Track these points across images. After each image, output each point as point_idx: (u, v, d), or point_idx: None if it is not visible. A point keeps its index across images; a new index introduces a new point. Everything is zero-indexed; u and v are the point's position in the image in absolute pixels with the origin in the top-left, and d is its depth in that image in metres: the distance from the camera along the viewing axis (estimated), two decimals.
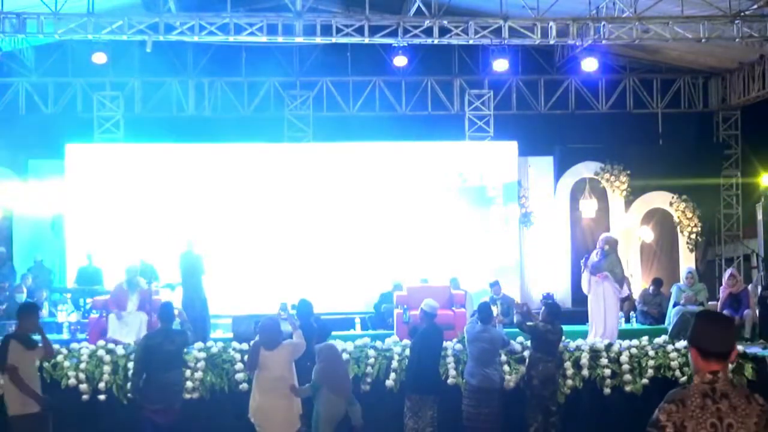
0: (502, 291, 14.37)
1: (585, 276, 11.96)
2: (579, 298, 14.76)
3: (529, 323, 10.18)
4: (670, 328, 12.07)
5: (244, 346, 10.47)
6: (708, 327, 4.13)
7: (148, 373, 9.03)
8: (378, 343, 10.86)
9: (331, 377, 8.83)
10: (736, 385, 4.15)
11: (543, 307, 10.55)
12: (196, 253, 12.71)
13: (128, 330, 11.41)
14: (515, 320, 10.63)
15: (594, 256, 11.97)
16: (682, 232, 16.84)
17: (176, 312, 10.26)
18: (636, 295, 14.87)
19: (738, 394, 4.08)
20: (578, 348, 10.87)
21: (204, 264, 12.64)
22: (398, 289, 13.72)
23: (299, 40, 14.33)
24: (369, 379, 10.56)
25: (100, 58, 14.89)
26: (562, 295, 15.76)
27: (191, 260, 12.60)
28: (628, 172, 16.81)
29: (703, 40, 14.08)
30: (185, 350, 9.92)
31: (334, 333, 11.42)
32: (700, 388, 4.08)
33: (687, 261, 16.49)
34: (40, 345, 8.25)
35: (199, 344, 10.80)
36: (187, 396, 10.24)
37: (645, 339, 11.11)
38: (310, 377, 8.83)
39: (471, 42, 14.55)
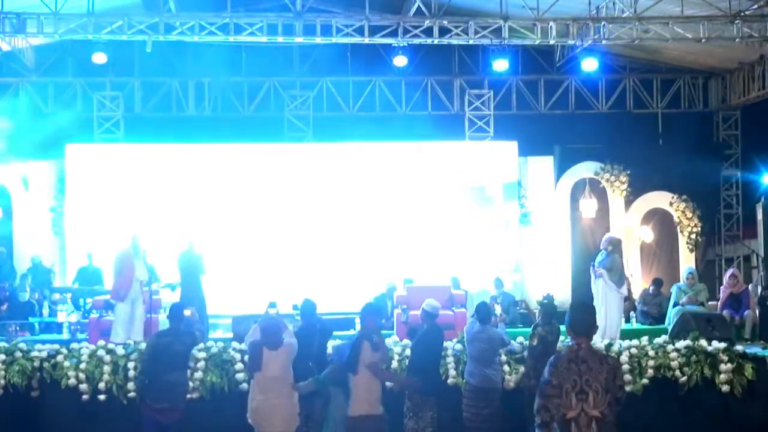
0: (504, 289, 14.39)
1: (592, 279, 12.01)
2: (579, 298, 14.76)
3: (533, 342, 10.11)
4: (670, 328, 12.07)
5: (245, 346, 10.47)
6: (576, 314, 5.95)
7: (155, 372, 9.06)
8: None
9: (342, 379, 8.88)
10: (596, 353, 5.90)
11: (539, 308, 10.58)
12: (195, 252, 12.72)
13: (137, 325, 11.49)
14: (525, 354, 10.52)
15: (599, 257, 12.02)
16: (682, 232, 16.83)
17: (189, 312, 10.27)
18: (636, 295, 14.88)
19: (594, 359, 5.80)
20: None
21: (204, 264, 12.66)
22: (392, 292, 13.71)
23: (299, 40, 14.34)
24: None
25: (100, 58, 14.89)
26: (562, 295, 15.73)
27: (191, 260, 12.61)
28: (628, 172, 16.81)
29: (703, 40, 14.09)
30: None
31: (333, 333, 11.45)
32: (568, 355, 5.82)
33: (687, 261, 16.48)
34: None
35: (200, 344, 10.80)
36: (188, 396, 10.25)
37: (645, 339, 11.11)
38: (310, 377, 8.87)
39: (471, 42, 14.56)
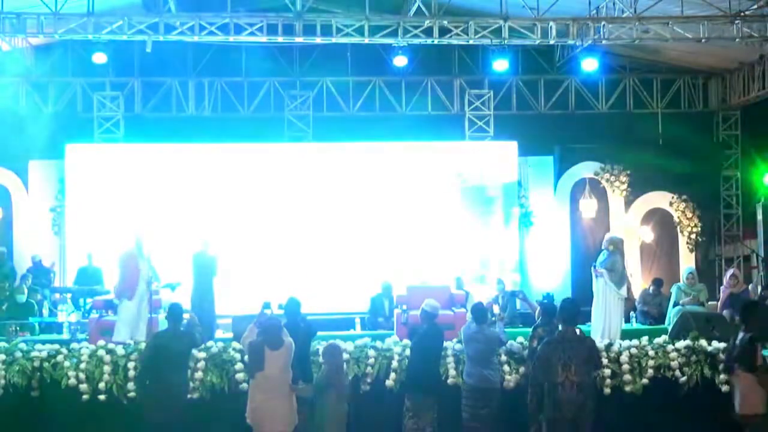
0: (505, 289, 14.37)
1: (593, 278, 11.97)
2: (579, 297, 14.76)
3: (533, 344, 10.12)
4: (670, 328, 12.05)
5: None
6: (565, 308, 8.55)
7: (155, 373, 9.06)
8: (378, 343, 10.85)
9: (337, 378, 8.91)
10: (578, 337, 8.41)
11: (538, 308, 10.58)
12: (210, 254, 12.68)
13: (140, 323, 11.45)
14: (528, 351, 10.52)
15: (600, 257, 11.99)
16: (682, 232, 16.84)
17: (188, 316, 10.24)
18: (636, 295, 14.87)
19: (576, 340, 8.33)
20: None
21: (217, 266, 12.59)
22: (387, 290, 13.68)
23: (299, 40, 14.34)
24: (369, 379, 10.55)
25: (100, 58, 14.90)
26: (563, 295, 15.68)
27: (205, 261, 12.56)
28: (628, 172, 16.83)
29: (703, 40, 14.08)
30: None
31: (333, 333, 11.45)
32: (557, 337, 8.39)
33: (687, 261, 16.49)
34: None
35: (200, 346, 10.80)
36: (188, 396, 10.24)
37: (645, 339, 11.10)
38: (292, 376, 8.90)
39: (471, 42, 14.55)
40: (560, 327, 8.44)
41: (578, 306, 8.59)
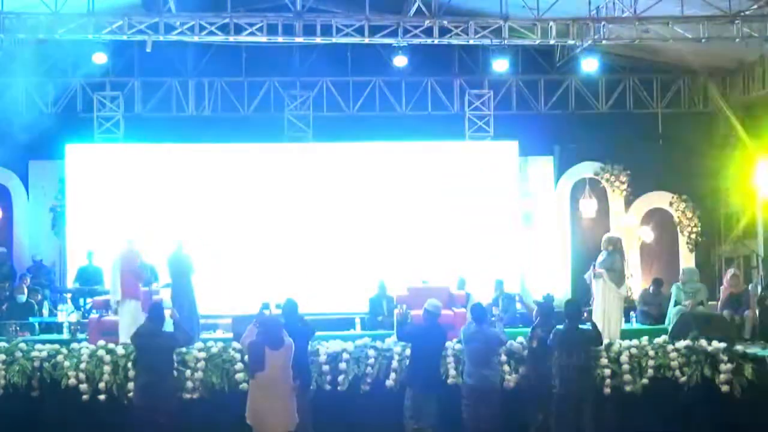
0: (505, 290, 14.40)
1: (591, 279, 11.97)
2: (579, 298, 14.75)
3: (533, 344, 10.18)
4: (670, 328, 12.06)
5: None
6: (570, 307, 10.27)
7: (137, 373, 9.08)
8: (378, 343, 10.86)
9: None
10: (580, 328, 10.15)
11: (535, 309, 10.60)
12: (184, 253, 12.54)
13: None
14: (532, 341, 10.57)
15: (600, 257, 11.98)
16: (682, 232, 16.84)
17: (169, 313, 10.21)
18: (636, 295, 14.87)
19: (579, 332, 10.07)
20: None
21: (193, 263, 12.38)
22: (383, 289, 13.68)
23: (299, 40, 14.33)
24: (369, 379, 10.57)
25: (100, 58, 14.90)
26: (563, 295, 15.72)
27: (180, 260, 12.39)
28: (628, 172, 16.83)
29: (703, 40, 14.07)
30: (179, 350, 9.95)
31: (333, 333, 11.46)
32: (563, 330, 9.95)
33: (687, 261, 16.49)
34: None
35: (199, 344, 10.79)
36: (187, 396, 10.26)
37: (645, 339, 11.11)
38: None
39: (471, 42, 14.55)
40: (567, 321, 9.99)
41: (580, 306, 10.77)
